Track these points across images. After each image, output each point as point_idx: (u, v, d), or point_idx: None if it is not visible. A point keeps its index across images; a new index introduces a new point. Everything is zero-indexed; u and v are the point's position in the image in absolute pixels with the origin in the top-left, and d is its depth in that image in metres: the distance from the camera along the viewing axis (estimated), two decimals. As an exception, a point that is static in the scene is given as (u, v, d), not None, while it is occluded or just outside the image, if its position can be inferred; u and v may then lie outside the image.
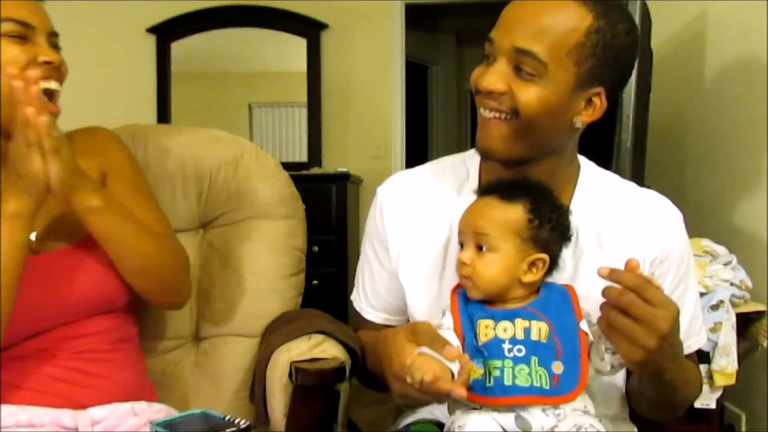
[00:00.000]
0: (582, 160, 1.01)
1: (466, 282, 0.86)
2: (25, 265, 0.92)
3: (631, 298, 0.76)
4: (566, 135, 0.92)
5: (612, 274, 0.77)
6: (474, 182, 1.00)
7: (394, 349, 0.82)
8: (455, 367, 0.77)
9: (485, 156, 0.92)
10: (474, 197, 0.96)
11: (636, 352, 0.77)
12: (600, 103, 0.89)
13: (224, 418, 0.88)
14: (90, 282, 1.01)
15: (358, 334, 1.08)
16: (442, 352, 0.77)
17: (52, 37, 0.99)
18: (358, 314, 1.09)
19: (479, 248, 0.86)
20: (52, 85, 0.96)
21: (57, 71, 0.97)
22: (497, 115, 0.88)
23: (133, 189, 1.09)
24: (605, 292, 0.78)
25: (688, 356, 0.99)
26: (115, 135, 1.14)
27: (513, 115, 0.86)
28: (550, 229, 0.86)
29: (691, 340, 0.99)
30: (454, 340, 0.82)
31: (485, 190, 0.90)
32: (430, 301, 0.99)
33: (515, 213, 0.85)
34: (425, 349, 0.79)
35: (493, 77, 0.86)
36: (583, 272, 0.93)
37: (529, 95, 0.85)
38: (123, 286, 1.03)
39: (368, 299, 1.07)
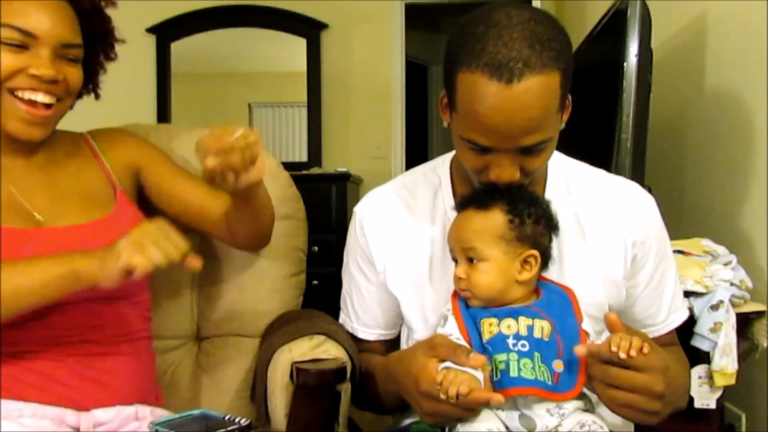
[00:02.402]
0: None
1: (465, 293, 0.88)
2: (37, 237, 0.95)
3: (617, 373, 0.76)
4: None
5: (591, 354, 0.77)
6: (447, 187, 1.02)
7: (416, 368, 0.82)
8: (480, 374, 0.78)
9: None
10: (450, 201, 1.00)
11: (639, 417, 0.79)
12: (568, 102, 0.89)
13: (224, 418, 0.88)
14: None
15: (360, 358, 1.06)
16: (468, 361, 0.78)
17: (65, 49, 0.95)
18: (351, 336, 1.09)
19: (470, 260, 0.87)
20: (38, 97, 0.93)
21: (55, 86, 0.94)
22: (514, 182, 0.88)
23: (178, 169, 1.15)
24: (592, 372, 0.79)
25: (669, 333, 1.03)
26: (135, 133, 1.18)
27: (530, 175, 0.89)
28: (533, 223, 0.88)
29: (674, 315, 1.03)
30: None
31: (462, 203, 0.91)
32: (422, 304, 1.01)
33: (494, 219, 0.87)
34: (449, 364, 0.80)
35: (509, 171, 0.85)
36: (568, 260, 0.96)
37: (542, 161, 0.88)
38: None
39: (359, 318, 1.09)
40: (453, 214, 1.01)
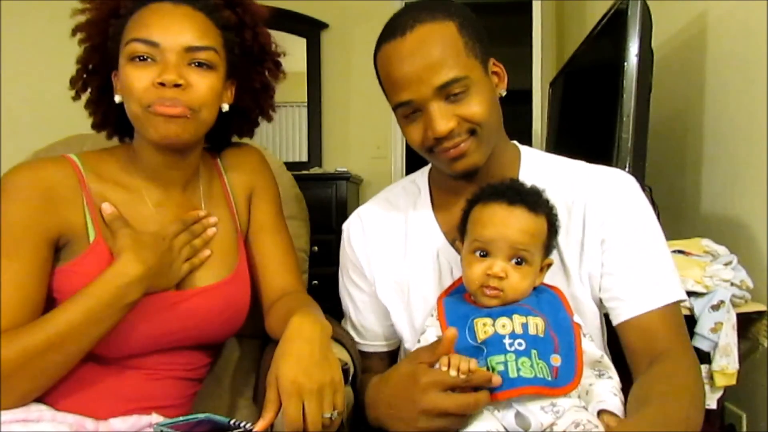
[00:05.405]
0: (520, 146, 1.05)
1: (495, 293, 0.86)
2: (175, 303, 0.96)
3: None
4: (499, 111, 0.96)
5: None
6: (426, 196, 1.06)
7: (406, 374, 0.84)
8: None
9: (469, 174, 0.95)
10: (428, 209, 1.03)
11: None
12: (499, 69, 0.96)
13: (229, 422, 0.87)
14: (224, 321, 1.02)
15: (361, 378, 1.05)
16: (445, 337, 0.82)
17: (190, 53, 0.90)
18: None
19: (516, 261, 0.86)
20: (165, 105, 0.88)
21: (180, 90, 0.88)
22: (462, 143, 0.90)
23: (275, 213, 1.13)
24: None
25: (666, 308, 0.90)
26: (263, 156, 1.16)
27: (474, 131, 0.90)
28: (556, 233, 0.91)
29: (663, 286, 0.91)
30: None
31: (511, 198, 0.88)
32: (409, 313, 1.02)
33: (542, 225, 0.88)
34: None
35: (442, 121, 0.88)
36: None
37: (477, 108, 0.89)
38: (239, 325, 1.05)
39: (358, 332, 1.10)
40: (432, 222, 1.02)
